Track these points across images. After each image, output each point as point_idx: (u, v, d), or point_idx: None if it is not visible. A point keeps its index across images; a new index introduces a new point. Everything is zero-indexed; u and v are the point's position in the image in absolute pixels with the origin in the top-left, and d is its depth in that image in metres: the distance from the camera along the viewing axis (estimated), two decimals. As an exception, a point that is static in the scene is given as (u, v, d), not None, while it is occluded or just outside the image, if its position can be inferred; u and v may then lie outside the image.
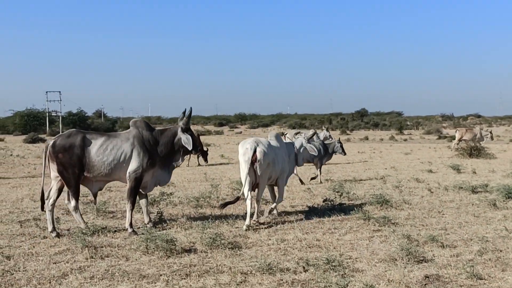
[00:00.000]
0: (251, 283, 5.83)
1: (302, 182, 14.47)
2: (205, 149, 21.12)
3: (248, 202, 8.76)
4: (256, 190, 9.16)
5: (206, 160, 21.02)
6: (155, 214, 9.42)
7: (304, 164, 13.75)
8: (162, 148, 8.69)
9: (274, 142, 9.58)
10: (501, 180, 14.73)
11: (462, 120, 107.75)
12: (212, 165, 21.30)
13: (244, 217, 9.38)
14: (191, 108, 9.01)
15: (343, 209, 10.01)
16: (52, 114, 77.64)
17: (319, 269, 6.20)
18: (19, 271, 6.29)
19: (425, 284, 5.75)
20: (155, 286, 5.80)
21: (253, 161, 8.75)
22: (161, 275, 6.12)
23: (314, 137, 14.10)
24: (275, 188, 9.84)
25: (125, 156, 8.33)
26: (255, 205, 9.30)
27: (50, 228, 8.11)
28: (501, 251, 7.09)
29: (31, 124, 68.79)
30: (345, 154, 16.95)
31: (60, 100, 78.40)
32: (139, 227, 8.69)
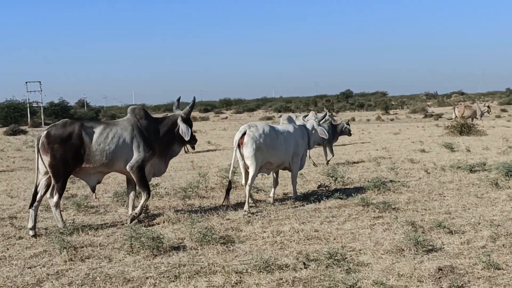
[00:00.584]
0: (248, 284, 5.27)
1: (315, 165, 14.35)
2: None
3: (246, 188, 8.79)
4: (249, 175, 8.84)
5: (193, 147, 20.37)
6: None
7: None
8: (161, 137, 8.35)
9: (283, 126, 9.46)
10: (497, 157, 14.29)
11: (446, 98, 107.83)
12: (199, 152, 20.65)
13: (234, 207, 8.86)
14: (194, 98, 8.87)
15: (339, 195, 9.47)
16: (33, 105, 76.24)
17: (321, 265, 5.66)
18: (-10, 279, 5.68)
19: (439, 278, 5.23)
20: (141, 291, 5.24)
21: (239, 144, 8.70)
22: (147, 278, 5.54)
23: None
24: (279, 173, 9.83)
25: (126, 145, 7.94)
26: (246, 189, 8.89)
27: (30, 225, 7.50)
28: (513, 235, 6.60)
29: (11, 116, 67.34)
30: (350, 135, 16.90)
31: (41, 91, 76.98)
32: (123, 224, 8.09)
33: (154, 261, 6.12)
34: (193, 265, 5.90)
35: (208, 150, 21.60)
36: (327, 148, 14.93)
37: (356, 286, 4.91)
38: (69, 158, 7.60)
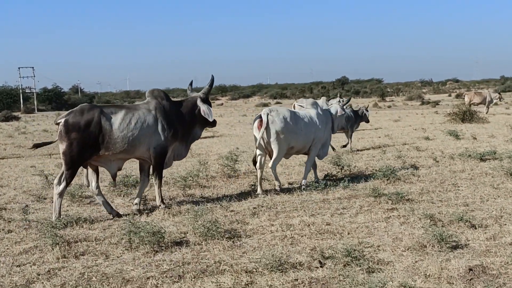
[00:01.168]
0: (260, 285, 4.77)
1: (333, 149, 14.00)
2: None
3: (258, 171, 8.88)
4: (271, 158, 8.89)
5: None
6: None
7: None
8: (182, 119, 8.01)
9: (305, 111, 9.43)
10: (506, 145, 13.85)
11: (441, 86, 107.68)
12: (196, 139, 20.09)
13: (237, 198, 8.39)
14: (213, 76, 8.53)
15: (348, 185, 8.99)
16: (26, 91, 75.34)
17: (338, 263, 5.18)
18: (-25, 279, 5.17)
19: (470, 279, 4.75)
20: (142, 293, 4.75)
21: (259, 127, 8.68)
22: (148, 278, 5.04)
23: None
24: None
25: (149, 129, 7.60)
26: (271, 173, 8.96)
27: (108, 210, 7.54)
28: (542, 230, 6.13)
29: (4, 101, 66.36)
30: (368, 121, 16.45)
31: (34, 76, 76.13)
32: (124, 215, 7.59)
33: (155, 258, 5.62)
34: (198, 263, 5.41)
35: (205, 137, 21.01)
36: (349, 133, 14.74)
37: (382, 290, 4.42)
38: (86, 147, 7.22)
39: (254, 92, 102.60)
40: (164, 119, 7.72)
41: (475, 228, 6.29)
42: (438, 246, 5.54)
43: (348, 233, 6.32)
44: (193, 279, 4.95)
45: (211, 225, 6.28)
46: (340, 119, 10.26)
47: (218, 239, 6.13)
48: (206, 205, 8.01)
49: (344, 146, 14.73)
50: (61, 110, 60.00)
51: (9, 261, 5.65)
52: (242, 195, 8.66)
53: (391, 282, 4.66)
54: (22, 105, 66.76)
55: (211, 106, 8.31)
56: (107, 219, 7.42)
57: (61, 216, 7.27)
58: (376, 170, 10.27)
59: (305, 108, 9.68)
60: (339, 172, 10.21)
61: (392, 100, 66.57)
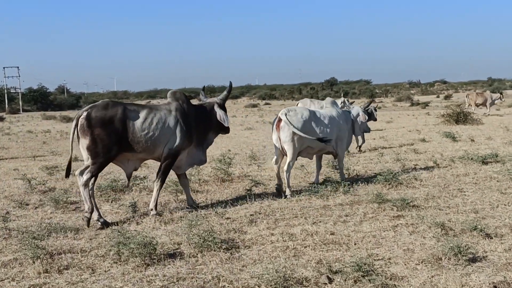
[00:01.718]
0: (264, 305, 4.31)
1: (360, 150, 14.13)
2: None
3: (275, 167, 8.78)
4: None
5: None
6: (128, 204, 7.79)
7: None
8: (200, 123, 7.84)
9: (325, 110, 9.32)
10: (505, 148, 13.49)
11: (429, 87, 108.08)
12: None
13: (233, 203, 7.92)
14: (231, 83, 8.47)
15: (349, 190, 8.56)
16: (11, 91, 74.28)
17: (348, 279, 4.72)
18: None
19: (496, 298, 4.32)
20: (133, 314, 4.26)
21: (277, 128, 8.59)
22: (140, 296, 4.56)
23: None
24: (323, 157, 9.82)
25: (170, 130, 7.43)
26: (283, 176, 8.66)
27: (86, 207, 7.02)
28: (562, 240, 5.72)
29: (-11, 102, 65.49)
30: (376, 120, 16.03)
31: (19, 76, 75.20)
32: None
33: (146, 273, 5.12)
34: (195, 278, 4.93)
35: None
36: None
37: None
38: (110, 143, 6.98)
39: (243, 93, 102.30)
40: (184, 121, 7.54)
41: (491, 238, 5.86)
42: (454, 259, 5.10)
43: (355, 244, 5.87)
44: (189, 298, 4.47)
45: (206, 235, 5.81)
46: (364, 124, 10.22)
47: (214, 250, 5.66)
48: (200, 211, 7.55)
49: (359, 146, 14.46)
50: (47, 111, 59.16)
51: (-15, 277, 5.14)
52: (238, 201, 8.20)
53: (410, 302, 4.21)
54: (7, 105, 65.76)
55: (226, 112, 8.14)
56: (93, 227, 6.92)
57: (44, 224, 6.79)
58: (375, 174, 9.85)
59: (325, 107, 9.57)
60: (337, 176, 9.71)
61: (381, 101, 66.36)
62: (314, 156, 9.43)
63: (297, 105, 19.47)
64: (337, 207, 7.65)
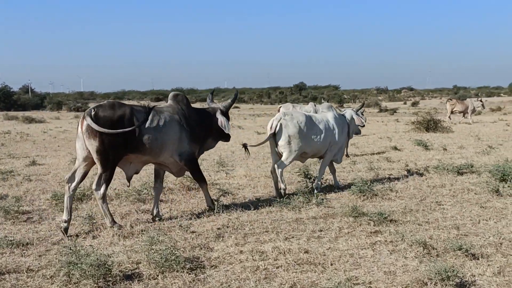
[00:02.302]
0: None
1: (347, 155, 13.87)
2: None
3: (273, 174, 8.73)
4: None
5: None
6: (85, 216, 7.16)
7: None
8: (201, 128, 7.66)
9: (321, 115, 9.27)
10: (478, 157, 13.24)
11: (396, 93, 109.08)
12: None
13: (199, 215, 7.39)
14: (237, 91, 8.64)
15: (322, 201, 8.10)
16: (-27, 90, 71.98)
17: (326, 307, 4.23)
18: None
19: (491, 332, 3.88)
20: None
21: (274, 132, 8.51)
22: (89, 328, 3.98)
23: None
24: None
25: (175, 134, 7.22)
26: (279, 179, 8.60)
27: (65, 216, 6.65)
28: (552, 262, 5.34)
29: (-51, 101, 63.32)
30: (364, 126, 15.50)
31: (-19, 75, 72.69)
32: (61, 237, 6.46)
33: (99, 298, 4.55)
34: (153, 306, 4.37)
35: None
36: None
37: None
38: (118, 145, 6.67)
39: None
40: (187, 124, 7.38)
41: (477, 259, 5.45)
42: (441, 285, 4.67)
43: (331, 264, 5.38)
44: (146, 331, 3.92)
45: (169, 253, 5.26)
46: (353, 124, 10.10)
47: (177, 271, 5.11)
48: (163, 224, 6.99)
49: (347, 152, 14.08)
50: (10, 111, 57.52)
51: None
52: (204, 212, 7.66)
53: None
54: (-32, 105, 63.73)
55: (229, 120, 8.01)
56: (45, 241, 6.30)
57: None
58: (349, 183, 9.41)
59: (321, 111, 9.55)
60: (308, 185, 9.21)
61: (349, 107, 66.41)
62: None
63: (278, 109, 19.22)
64: (310, 220, 7.17)
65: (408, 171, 10.99)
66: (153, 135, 6.96)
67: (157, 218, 7.29)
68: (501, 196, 8.43)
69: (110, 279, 4.90)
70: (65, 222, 6.60)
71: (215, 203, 7.68)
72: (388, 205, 7.98)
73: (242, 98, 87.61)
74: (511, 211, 7.53)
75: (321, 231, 6.64)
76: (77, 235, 6.56)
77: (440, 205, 8.03)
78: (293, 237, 6.37)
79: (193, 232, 6.64)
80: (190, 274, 5.10)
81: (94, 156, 6.64)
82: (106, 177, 6.74)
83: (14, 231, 6.83)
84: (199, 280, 4.98)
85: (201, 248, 5.96)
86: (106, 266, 4.88)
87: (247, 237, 6.41)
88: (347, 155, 13.89)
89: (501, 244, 5.99)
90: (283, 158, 8.58)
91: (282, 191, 8.55)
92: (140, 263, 5.41)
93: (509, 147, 15.70)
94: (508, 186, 8.82)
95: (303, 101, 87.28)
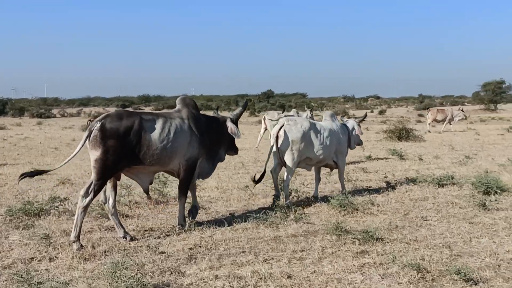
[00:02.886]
0: None
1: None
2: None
3: (273, 175, 8.68)
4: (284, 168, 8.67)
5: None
6: (41, 235, 6.45)
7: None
8: (211, 133, 7.39)
9: (325, 123, 9.24)
10: (455, 168, 12.90)
11: (363, 102, 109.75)
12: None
13: (168, 233, 6.77)
14: (247, 101, 9.00)
15: (301, 217, 7.56)
16: None
17: None
18: None
19: None
20: None
21: (276, 137, 8.45)
22: None
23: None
24: (321, 170, 9.94)
25: (185, 140, 6.94)
26: (284, 191, 8.59)
27: (120, 233, 6.58)
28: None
29: None
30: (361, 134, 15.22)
31: None
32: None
33: (53, 339, 3.89)
34: None
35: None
36: None
37: None
38: (122, 156, 6.40)
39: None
40: (197, 129, 7.09)
41: (476, 284, 4.97)
42: (444, 317, 4.15)
43: (318, 292, 4.83)
44: None
45: (134, 282, 4.63)
46: (357, 136, 9.91)
47: (145, 302, 4.48)
48: (129, 244, 6.34)
49: None
50: (-31, 116, 55.63)
51: None
52: (174, 229, 7.02)
53: None
54: None
55: (238, 128, 7.77)
56: (-5, 266, 5.59)
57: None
58: (327, 196, 8.88)
59: (324, 119, 9.51)
60: (282, 198, 8.67)
61: (318, 115, 66.43)
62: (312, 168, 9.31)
63: (264, 118, 18.90)
64: (290, 239, 6.61)
65: (388, 182, 10.54)
66: (165, 144, 6.68)
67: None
68: (488, 210, 8.02)
69: (66, 313, 4.24)
70: (123, 238, 6.52)
71: (186, 222, 7.10)
72: (371, 221, 7.48)
73: (210, 106, 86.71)
74: (501, 227, 7.11)
75: (302, 251, 6.09)
76: (31, 258, 5.84)
77: (426, 220, 7.57)
78: (272, 259, 5.80)
79: (162, 253, 6.01)
80: (159, 305, 4.47)
81: (93, 163, 6.36)
82: (96, 187, 6.39)
83: (-40, 252, 6.08)
84: (170, 313, 4.36)
85: (172, 273, 5.34)
86: (62, 298, 4.22)
87: (222, 258, 5.81)
88: None
89: (499, 266, 5.53)
90: (287, 164, 8.49)
91: (287, 203, 8.23)
92: (102, 292, 4.76)
93: (485, 157, 15.45)
94: (496, 200, 8.44)
95: (271, 109, 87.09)
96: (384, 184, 10.48)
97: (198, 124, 7.14)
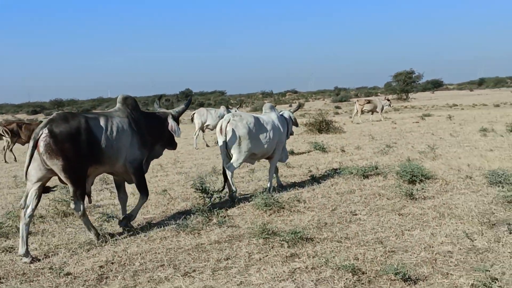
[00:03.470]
0: None
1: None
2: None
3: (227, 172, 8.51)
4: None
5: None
6: None
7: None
8: (151, 133, 7.18)
9: (267, 116, 9.22)
10: (378, 158, 12.78)
11: (281, 97, 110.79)
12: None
13: (76, 249, 6.04)
14: (190, 97, 8.66)
15: (224, 220, 7.01)
16: None
17: None
18: None
19: None
20: None
21: (221, 132, 8.45)
22: None
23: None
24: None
25: (127, 139, 6.69)
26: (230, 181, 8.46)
27: (21, 251, 5.78)
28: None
29: None
30: (298, 125, 14.69)
31: None
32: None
33: None
34: None
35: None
36: None
37: None
38: (83, 158, 6.08)
39: (95, 106, 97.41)
40: (138, 129, 6.87)
41: (415, 283, 4.60)
42: (388, 326, 3.72)
43: (247, 307, 4.29)
44: None
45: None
46: (291, 127, 9.93)
47: None
48: (30, 266, 5.55)
49: None
50: None
51: None
52: (83, 245, 6.28)
53: None
54: None
55: (179, 125, 7.64)
56: None
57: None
58: (251, 195, 8.38)
59: (264, 112, 9.43)
60: (205, 200, 8.10)
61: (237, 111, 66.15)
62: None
63: (193, 115, 18.49)
64: (213, 246, 6.04)
65: (312, 177, 10.17)
66: (110, 143, 6.45)
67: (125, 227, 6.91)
68: (416, 200, 7.78)
69: None
70: (25, 256, 5.75)
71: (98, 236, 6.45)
72: (299, 219, 7.04)
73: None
74: (431, 217, 6.85)
75: (227, 259, 5.53)
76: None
77: (355, 215, 7.21)
78: (194, 271, 5.21)
79: (68, 274, 5.28)
80: None
81: (62, 175, 6.02)
82: (80, 193, 6.14)
83: None
84: None
85: (79, 297, 4.64)
86: None
87: (137, 275, 5.16)
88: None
89: (435, 260, 5.19)
90: (233, 160, 8.44)
91: (234, 194, 8.39)
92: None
93: (405, 145, 15.50)
94: (422, 189, 8.23)
95: (191, 108, 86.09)
96: (308, 179, 10.10)
97: (139, 125, 6.93)
